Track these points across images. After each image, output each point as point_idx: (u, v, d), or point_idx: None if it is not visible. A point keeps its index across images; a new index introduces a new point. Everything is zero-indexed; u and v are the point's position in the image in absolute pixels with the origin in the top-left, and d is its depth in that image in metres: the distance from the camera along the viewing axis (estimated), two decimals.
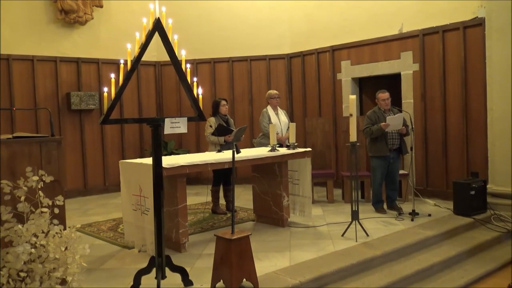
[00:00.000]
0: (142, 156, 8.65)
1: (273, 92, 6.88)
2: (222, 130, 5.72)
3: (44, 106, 7.59)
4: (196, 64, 8.99)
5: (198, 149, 8.81)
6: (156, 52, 8.68)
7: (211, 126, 6.13)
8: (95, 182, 8.42)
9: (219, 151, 5.61)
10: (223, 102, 6.42)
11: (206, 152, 5.91)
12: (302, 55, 8.75)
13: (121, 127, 8.71)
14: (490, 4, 6.21)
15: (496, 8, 6.13)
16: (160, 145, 3.77)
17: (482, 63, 6.40)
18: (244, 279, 3.66)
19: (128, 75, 3.48)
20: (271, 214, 5.73)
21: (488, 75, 6.29)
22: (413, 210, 5.83)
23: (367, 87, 8.15)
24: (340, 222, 5.64)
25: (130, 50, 3.50)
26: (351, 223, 5.13)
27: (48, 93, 7.92)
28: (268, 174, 5.73)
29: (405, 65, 7.28)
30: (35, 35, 7.78)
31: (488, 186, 6.22)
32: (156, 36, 3.60)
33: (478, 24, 6.42)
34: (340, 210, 6.45)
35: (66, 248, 3.05)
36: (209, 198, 6.49)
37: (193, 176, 8.25)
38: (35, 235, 2.98)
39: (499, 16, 6.09)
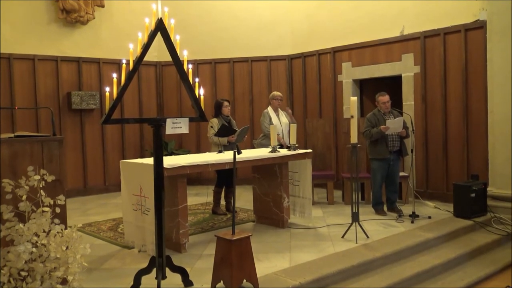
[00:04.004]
0: (142, 156, 8.65)
1: (276, 93, 6.89)
2: (225, 130, 5.74)
3: (45, 105, 7.59)
4: (197, 64, 8.99)
5: (199, 150, 8.81)
6: (157, 52, 8.70)
7: (212, 127, 6.13)
8: (95, 181, 8.41)
9: (220, 151, 5.61)
10: (226, 103, 6.42)
11: (207, 153, 5.91)
12: (303, 56, 8.76)
13: (121, 127, 8.71)
14: (491, 6, 6.21)
15: (498, 11, 6.13)
16: (161, 145, 3.77)
17: (483, 65, 6.41)
18: (244, 280, 3.66)
19: (130, 75, 3.48)
20: (271, 215, 5.72)
21: (489, 78, 6.30)
22: (413, 212, 5.82)
23: (367, 88, 8.15)
24: (340, 223, 5.65)
25: (132, 50, 3.50)
26: (351, 224, 5.13)
27: (49, 92, 7.92)
28: (268, 175, 5.73)
29: (406, 67, 7.29)
30: (36, 35, 7.78)
31: (488, 188, 6.22)
32: (157, 36, 3.59)
33: (479, 26, 6.43)
34: (340, 211, 6.45)
35: (67, 248, 3.05)
36: (210, 199, 6.49)
37: (193, 176, 8.25)
38: (36, 234, 2.98)
39: (500, 19, 6.10)
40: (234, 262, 3.56)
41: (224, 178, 6.37)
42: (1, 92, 7.40)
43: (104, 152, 8.53)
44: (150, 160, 4.51)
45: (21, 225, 2.96)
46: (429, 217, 5.91)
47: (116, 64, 8.29)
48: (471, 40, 6.57)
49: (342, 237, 5.09)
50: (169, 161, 4.60)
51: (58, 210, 3.14)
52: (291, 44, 8.95)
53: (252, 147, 6.92)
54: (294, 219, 5.84)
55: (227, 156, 5.12)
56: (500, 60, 6.13)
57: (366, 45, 7.76)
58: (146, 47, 3.52)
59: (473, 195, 5.95)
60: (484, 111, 6.42)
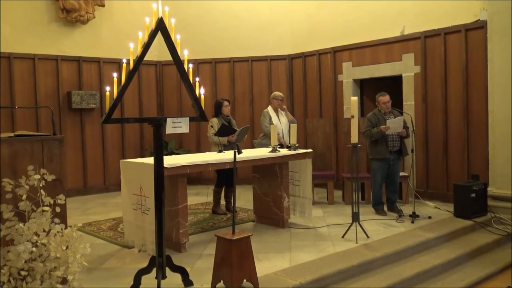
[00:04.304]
0: (142, 155, 8.64)
1: (278, 93, 6.89)
2: (225, 130, 5.73)
3: (45, 104, 7.59)
4: (197, 64, 8.98)
5: (199, 149, 8.81)
6: (157, 52, 8.70)
7: (212, 127, 6.12)
8: (95, 181, 8.41)
9: (220, 151, 5.60)
10: (226, 103, 6.41)
11: (207, 152, 5.91)
12: (303, 56, 8.75)
13: (121, 127, 8.71)
14: (492, 6, 6.21)
15: (498, 11, 6.13)
16: (161, 145, 3.76)
17: (483, 65, 6.41)
18: (245, 280, 3.66)
19: (130, 75, 3.48)
20: (271, 215, 5.72)
21: (490, 78, 6.29)
22: (414, 212, 5.82)
23: (368, 88, 8.15)
24: (341, 223, 5.64)
25: (132, 49, 3.50)
26: (351, 224, 5.13)
27: (49, 91, 7.92)
28: (268, 175, 5.73)
29: (406, 67, 7.28)
30: (36, 34, 7.77)
31: (488, 188, 6.22)
32: (158, 35, 3.59)
33: (480, 26, 6.43)
34: (340, 211, 6.45)
35: (67, 247, 3.05)
36: (210, 198, 6.49)
37: (193, 176, 8.24)
38: (36, 234, 2.98)
39: (501, 19, 6.09)
40: (234, 262, 3.55)
41: (224, 178, 6.36)
42: (1, 91, 7.39)
43: (104, 151, 8.53)
44: (150, 160, 4.50)
45: (21, 224, 2.96)
46: (429, 217, 5.90)
47: (116, 64, 8.29)
48: (472, 40, 6.57)
49: (342, 237, 5.09)
50: (169, 161, 4.59)
51: (58, 209, 3.14)
52: (291, 44, 8.94)
53: (252, 146, 6.92)
54: (294, 219, 5.83)
55: (227, 155, 5.11)
56: (500, 60, 6.12)
57: (366, 45, 7.76)
58: (146, 47, 3.52)
59: (473, 195, 5.95)
60: (485, 111, 6.42)
